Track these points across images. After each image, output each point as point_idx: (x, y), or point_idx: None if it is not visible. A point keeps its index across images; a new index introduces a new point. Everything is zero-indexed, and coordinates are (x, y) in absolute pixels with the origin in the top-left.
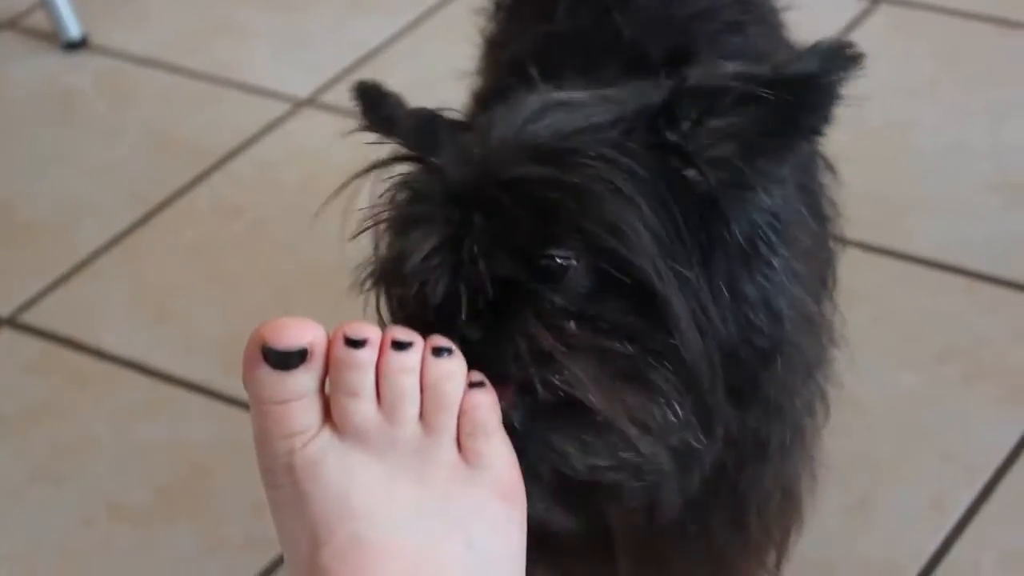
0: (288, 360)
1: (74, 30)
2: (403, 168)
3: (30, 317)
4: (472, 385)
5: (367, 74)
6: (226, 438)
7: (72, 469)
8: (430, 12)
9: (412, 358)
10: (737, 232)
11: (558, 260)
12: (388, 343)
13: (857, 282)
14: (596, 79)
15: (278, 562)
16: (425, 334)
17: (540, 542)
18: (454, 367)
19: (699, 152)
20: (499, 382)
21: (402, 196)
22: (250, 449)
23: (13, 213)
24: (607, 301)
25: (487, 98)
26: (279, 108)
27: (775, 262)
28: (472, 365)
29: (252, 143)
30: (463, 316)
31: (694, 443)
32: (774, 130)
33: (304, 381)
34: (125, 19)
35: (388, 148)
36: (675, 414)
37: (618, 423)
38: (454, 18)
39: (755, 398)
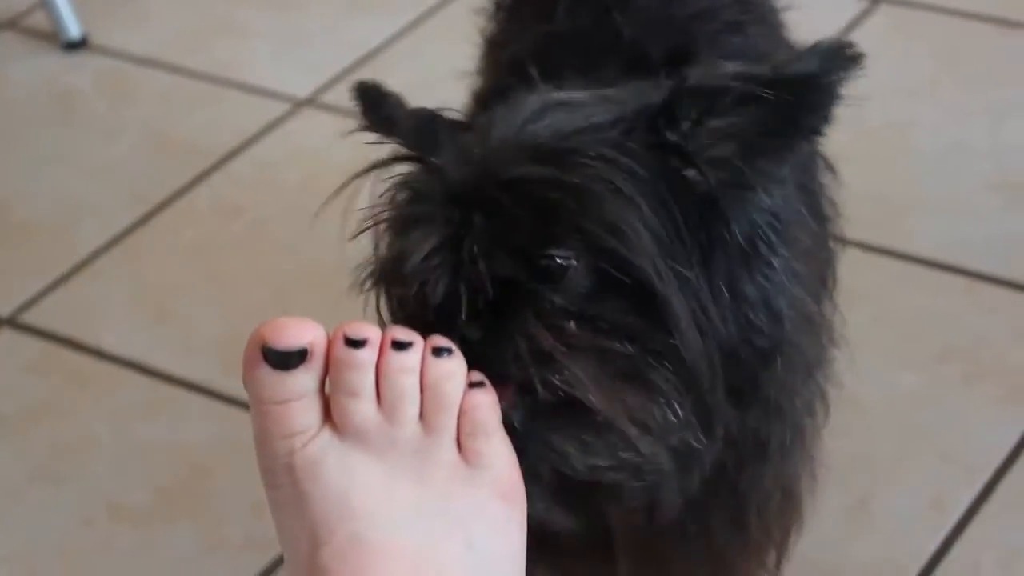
0: (288, 360)
1: (74, 30)
2: (403, 168)
3: (30, 317)
4: (472, 385)
5: (367, 74)
6: (226, 438)
7: (72, 469)
8: (430, 12)
9: (412, 358)
10: (737, 232)
11: (558, 260)
12: (388, 343)
13: (857, 282)
14: (596, 79)
15: (278, 562)
16: (425, 334)
17: (540, 542)
18: (454, 367)
19: (699, 152)
20: (499, 382)
21: (402, 196)
22: (250, 449)
23: (13, 213)
24: (607, 301)
25: (487, 98)
26: (279, 108)
27: (775, 262)
28: (472, 365)
29: (252, 143)
30: (463, 316)
31: (694, 443)
32: (774, 130)
33: (304, 381)
34: (125, 19)
35: (388, 148)
36: (675, 414)
37: (618, 423)
38: (454, 18)
39: (755, 398)
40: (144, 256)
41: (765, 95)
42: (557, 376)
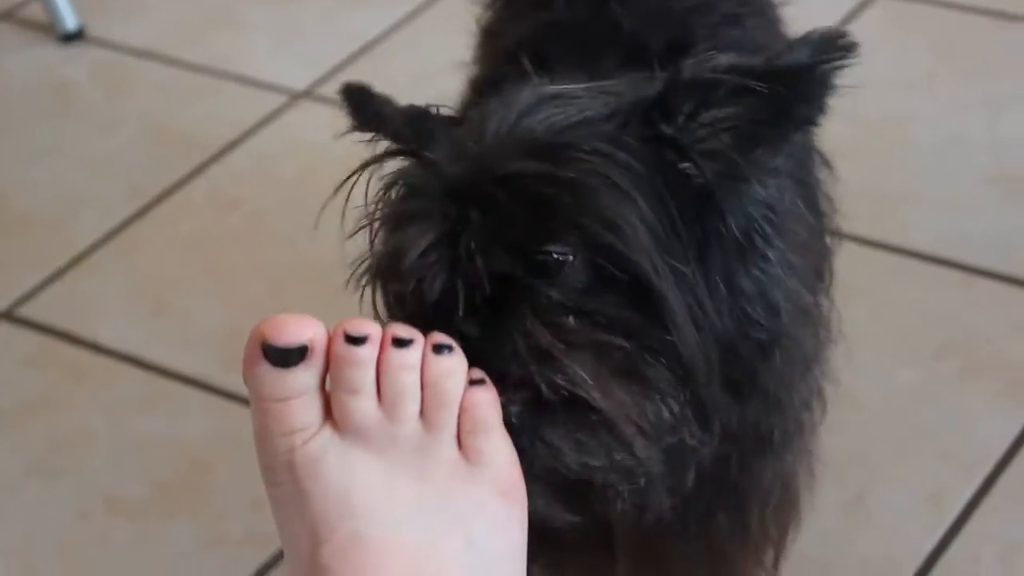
0: (288, 357)
1: (70, 22)
2: (398, 164)
3: (27, 310)
4: (472, 382)
5: (365, 66)
6: (224, 433)
7: (69, 463)
8: (428, 3)
9: (413, 355)
10: (733, 225)
11: (555, 255)
12: (389, 340)
13: (854, 277)
14: (594, 70)
15: (277, 558)
16: (425, 331)
17: (539, 540)
18: (455, 364)
19: (694, 145)
20: (497, 379)
21: (397, 192)
22: (249, 444)
23: (9, 205)
24: (603, 296)
25: (483, 87)
26: (276, 100)
27: (771, 254)
28: (471, 362)
29: (249, 135)
30: (460, 312)
31: (689, 440)
32: (769, 121)
33: (304, 378)
34: (122, 11)
35: (381, 145)
36: (670, 410)
37: (615, 421)
38: (452, 9)
39: (754, 391)
40: (141, 249)
41: (759, 88)
42: (557, 374)
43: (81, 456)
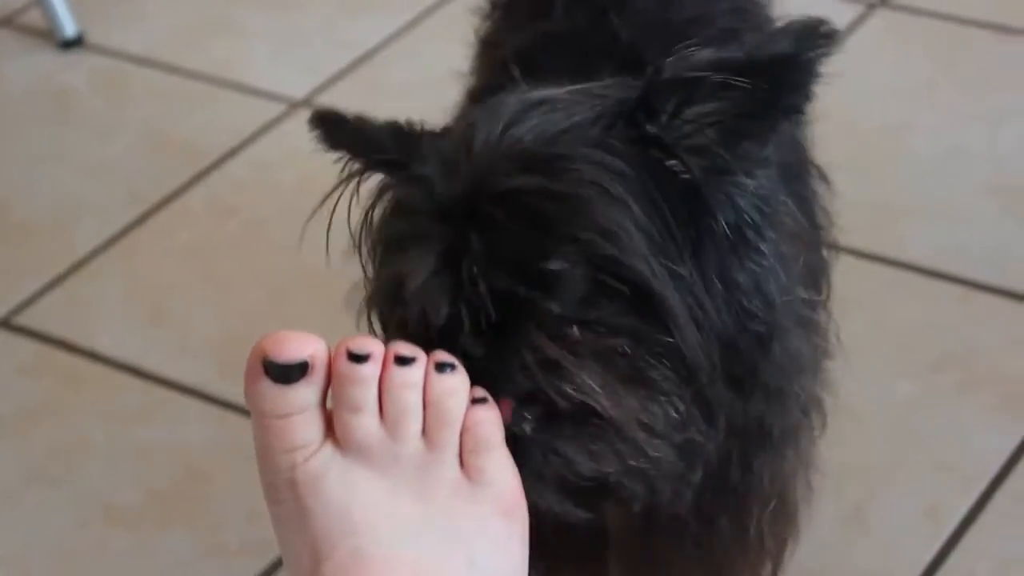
0: (289, 373)
1: (70, 28)
2: (386, 178)
3: (25, 318)
4: (475, 401)
5: (364, 75)
6: (222, 442)
7: (67, 471)
8: (427, 12)
9: (415, 373)
10: (724, 221)
11: (554, 269)
12: (391, 358)
13: (852, 290)
14: (590, 81)
15: (275, 567)
16: (428, 349)
17: (535, 547)
18: (457, 383)
19: (679, 142)
20: (507, 396)
21: (389, 209)
22: (247, 453)
23: (8, 212)
24: (604, 304)
25: (480, 97)
26: (275, 108)
27: (763, 247)
28: (476, 381)
29: (248, 143)
30: (465, 334)
31: (696, 437)
32: (754, 113)
33: (305, 395)
34: (121, 18)
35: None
36: (676, 410)
37: (625, 428)
38: (452, 18)
39: (755, 385)
40: (140, 257)
41: (741, 82)
42: (568, 384)
43: (79, 464)
